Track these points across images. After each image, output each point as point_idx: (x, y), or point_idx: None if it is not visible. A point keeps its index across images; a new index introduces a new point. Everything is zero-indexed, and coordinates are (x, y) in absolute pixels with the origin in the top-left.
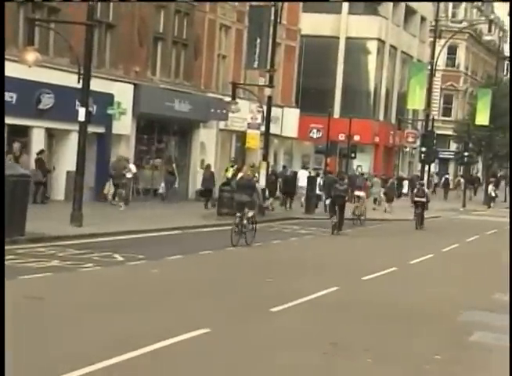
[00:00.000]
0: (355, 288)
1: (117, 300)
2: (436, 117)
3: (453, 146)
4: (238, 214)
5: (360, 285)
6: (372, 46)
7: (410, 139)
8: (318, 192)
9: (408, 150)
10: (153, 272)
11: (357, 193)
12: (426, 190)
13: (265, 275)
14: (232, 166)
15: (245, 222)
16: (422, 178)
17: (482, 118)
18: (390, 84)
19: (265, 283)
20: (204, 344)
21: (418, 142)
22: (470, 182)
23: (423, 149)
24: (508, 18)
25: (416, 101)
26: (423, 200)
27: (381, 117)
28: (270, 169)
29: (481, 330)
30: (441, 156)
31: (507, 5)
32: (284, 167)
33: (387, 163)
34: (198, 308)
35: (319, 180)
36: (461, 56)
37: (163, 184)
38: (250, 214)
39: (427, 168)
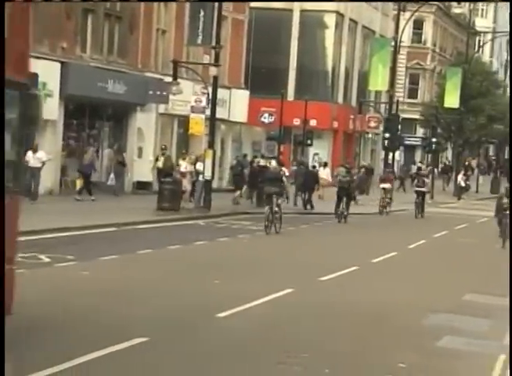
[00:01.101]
0: (312, 290)
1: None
2: (401, 100)
3: (420, 132)
4: (267, 206)
5: (317, 286)
6: (330, 20)
7: (372, 124)
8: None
9: (370, 136)
10: (84, 274)
11: (382, 185)
12: (426, 180)
13: (212, 276)
14: (164, 154)
15: (276, 209)
16: (420, 169)
17: (452, 100)
18: (350, 63)
19: (210, 285)
20: (141, 354)
21: (381, 128)
22: (444, 172)
23: (387, 135)
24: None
25: (378, 81)
26: (424, 189)
27: (340, 100)
28: (236, 160)
29: (450, 334)
30: (406, 142)
31: None
32: (245, 156)
33: (347, 150)
34: (133, 314)
35: (284, 170)
36: (428, 30)
37: (112, 175)
38: (280, 201)
39: (390, 155)
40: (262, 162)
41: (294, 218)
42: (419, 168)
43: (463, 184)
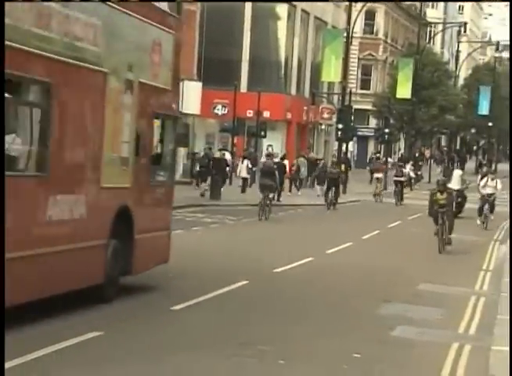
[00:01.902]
0: (266, 281)
1: None
2: (354, 91)
3: (373, 123)
4: (261, 195)
5: (272, 278)
6: (282, 11)
7: (326, 115)
8: (244, 175)
9: (323, 127)
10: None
11: (376, 175)
12: (404, 170)
13: (165, 269)
14: None
15: (268, 202)
16: (378, 159)
17: (404, 91)
18: (302, 54)
19: (165, 278)
20: (96, 349)
21: (334, 119)
22: (403, 162)
23: (340, 126)
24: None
25: (331, 72)
26: (402, 179)
27: (293, 91)
28: (204, 152)
29: (404, 324)
30: (359, 133)
31: None
32: (210, 149)
33: (300, 142)
34: (86, 309)
35: (246, 163)
36: (380, 21)
37: None
38: (271, 195)
39: (344, 146)
40: (218, 154)
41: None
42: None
43: (412, 174)
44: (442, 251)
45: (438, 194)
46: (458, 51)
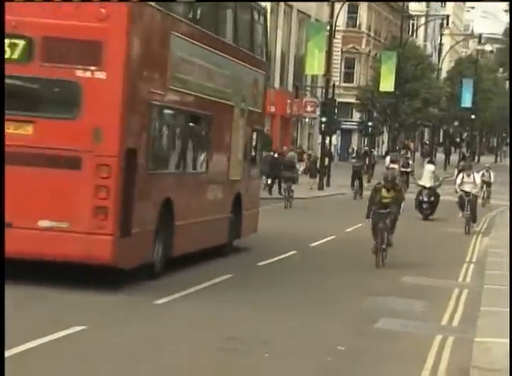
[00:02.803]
0: (251, 275)
1: None
2: (337, 84)
3: (356, 116)
4: (285, 186)
5: (256, 271)
6: (265, 5)
7: (309, 109)
8: None
9: (307, 120)
10: None
11: (392, 165)
12: (410, 162)
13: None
14: None
15: (291, 191)
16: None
17: (387, 84)
18: (286, 48)
19: (148, 272)
20: (80, 343)
21: (318, 112)
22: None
23: (324, 119)
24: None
25: (314, 66)
26: (408, 170)
27: (277, 85)
28: None
29: (387, 316)
30: (343, 126)
31: None
32: None
33: (284, 135)
34: (71, 302)
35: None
36: (363, 15)
37: None
38: (293, 186)
39: (327, 140)
40: None
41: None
42: (398, 150)
43: (391, 166)
44: (380, 266)
45: (384, 191)
46: (441, 44)
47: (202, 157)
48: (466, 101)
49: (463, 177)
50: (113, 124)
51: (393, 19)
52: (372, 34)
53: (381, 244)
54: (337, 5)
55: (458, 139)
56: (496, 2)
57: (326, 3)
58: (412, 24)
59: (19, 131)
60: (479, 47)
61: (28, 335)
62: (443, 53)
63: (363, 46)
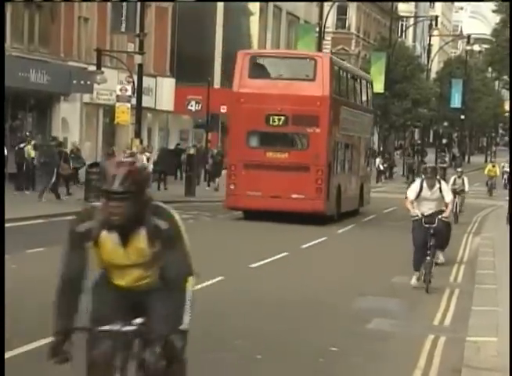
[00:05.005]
0: (242, 277)
1: None
2: None
3: None
4: None
5: (247, 273)
6: (254, 7)
7: None
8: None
9: None
10: (12, 267)
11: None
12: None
13: None
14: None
15: None
16: None
17: (377, 85)
18: (275, 49)
19: None
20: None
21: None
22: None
23: None
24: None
25: None
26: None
27: None
28: (217, 149)
29: (379, 316)
30: None
31: None
32: (178, 144)
33: None
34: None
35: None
36: (352, 16)
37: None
38: None
39: None
40: (192, 151)
41: None
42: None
43: (381, 168)
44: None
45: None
46: (430, 44)
47: (351, 163)
48: (456, 101)
49: (420, 188)
50: (323, 152)
51: (382, 20)
52: (361, 35)
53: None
54: (326, 7)
55: (445, 140)
56: (486, 2)
57: (315, 4)
58: (402, 25)
59: (280, 156)
60: (468, 47)
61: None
62: (432, 54)
63: (353, 47)
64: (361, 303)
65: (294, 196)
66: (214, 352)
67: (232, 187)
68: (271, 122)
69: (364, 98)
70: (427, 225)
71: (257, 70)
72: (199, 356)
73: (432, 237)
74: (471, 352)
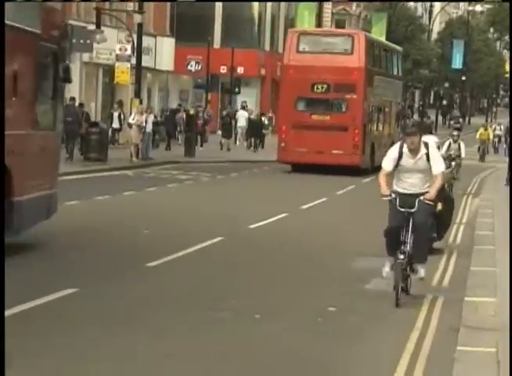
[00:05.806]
0: (241, 238)
1: None
2: None
3: None
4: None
5: (247, 234)
6: None
7: None
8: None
9: None
10: None
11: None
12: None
13: (140, 226)
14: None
15: None
16: None
17: None
18: (276, 10)
19: (140, 235)
20: (70, 305)
21: None
22: None
23: None
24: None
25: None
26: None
27: (267, 47)
28: (225, 110)
29: (378, 277)
30: None
31: None
32: (180, 105)
33: (275, 98)
34: (62, 264)
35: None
36: None
37: None
38: None
39: None
40: (192, 111)
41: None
42: None
43: None
44: None
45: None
46: (431, 5)
47: (383, 124)
48: (457, 62)
49: (400, 155)
50: (359, 115)
51: None
52: None
53: None
54: None
55: (446, 101)
56: None
57: None
58: None
59: (323, 118)
60: (470, 8)
61: (16, 300)
62: (434, 14)
63: (354, 8)
64: (359, 263)
65: (335, 152)
66: (211, 310)
67: (282, 144)
68: (315, 89)
69: (394, 67)
70: (402, 210)
71: (304, 45)
72: (197, 315)
73: (410, 230)
74: (469, 312)
